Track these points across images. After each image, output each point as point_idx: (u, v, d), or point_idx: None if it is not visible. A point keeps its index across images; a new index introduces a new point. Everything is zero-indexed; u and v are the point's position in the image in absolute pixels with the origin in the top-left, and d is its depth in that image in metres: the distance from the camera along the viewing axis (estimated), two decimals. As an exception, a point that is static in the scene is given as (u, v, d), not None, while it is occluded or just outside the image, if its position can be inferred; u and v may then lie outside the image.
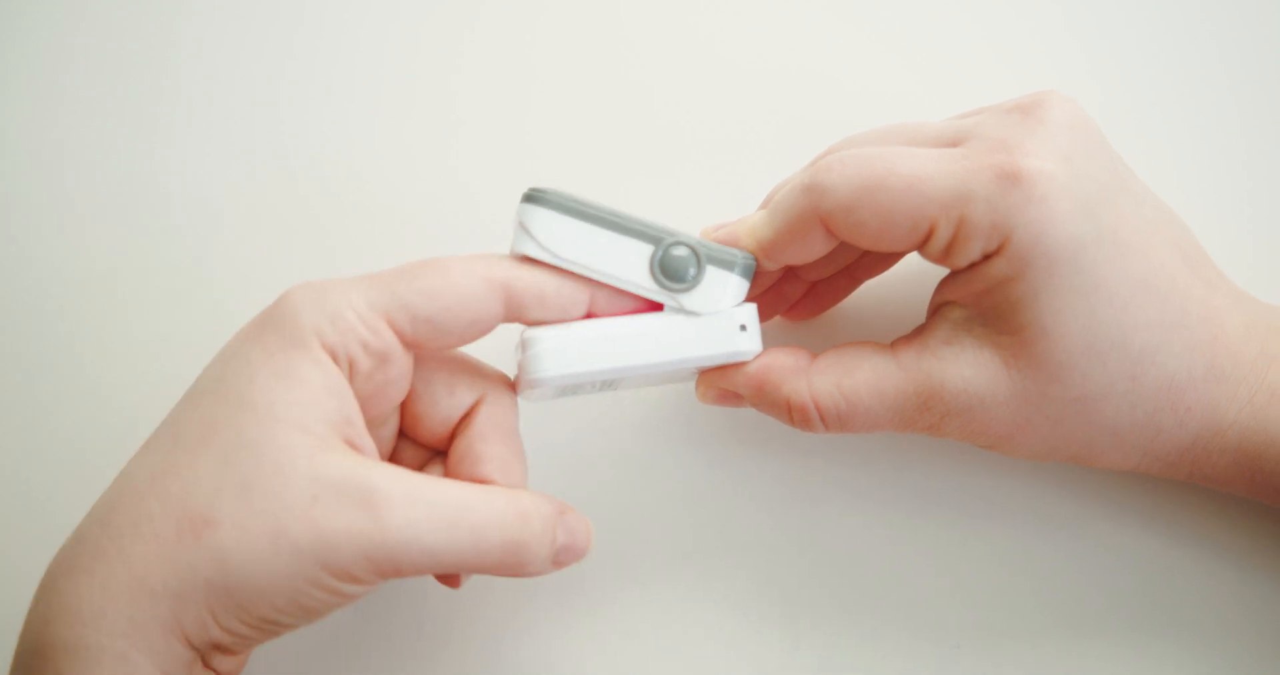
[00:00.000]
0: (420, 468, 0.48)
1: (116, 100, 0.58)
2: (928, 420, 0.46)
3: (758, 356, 0.47)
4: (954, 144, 0.46)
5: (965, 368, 0.45)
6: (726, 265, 0.46)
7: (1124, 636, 0.51)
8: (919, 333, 0.47)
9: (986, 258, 0.45)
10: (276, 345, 0.44)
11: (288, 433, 0.43)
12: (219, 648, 0.43)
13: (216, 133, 0.58)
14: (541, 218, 0.45)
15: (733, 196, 0.55)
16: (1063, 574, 0.52)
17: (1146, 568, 0.51)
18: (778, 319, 0.53)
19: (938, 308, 0.47)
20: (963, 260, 0.45)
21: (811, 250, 0.47)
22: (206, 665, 0.44)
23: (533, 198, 0.45)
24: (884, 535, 0.52)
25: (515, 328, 0.47)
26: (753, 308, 0.47)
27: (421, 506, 0.42)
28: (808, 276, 0.52)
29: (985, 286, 0.45)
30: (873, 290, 0.54)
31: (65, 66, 0.59)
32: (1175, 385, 0.45)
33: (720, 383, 0.48)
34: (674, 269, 0.46)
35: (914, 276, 0.53)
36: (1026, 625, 0.51)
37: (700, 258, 0.46)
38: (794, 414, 0.47)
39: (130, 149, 0.58)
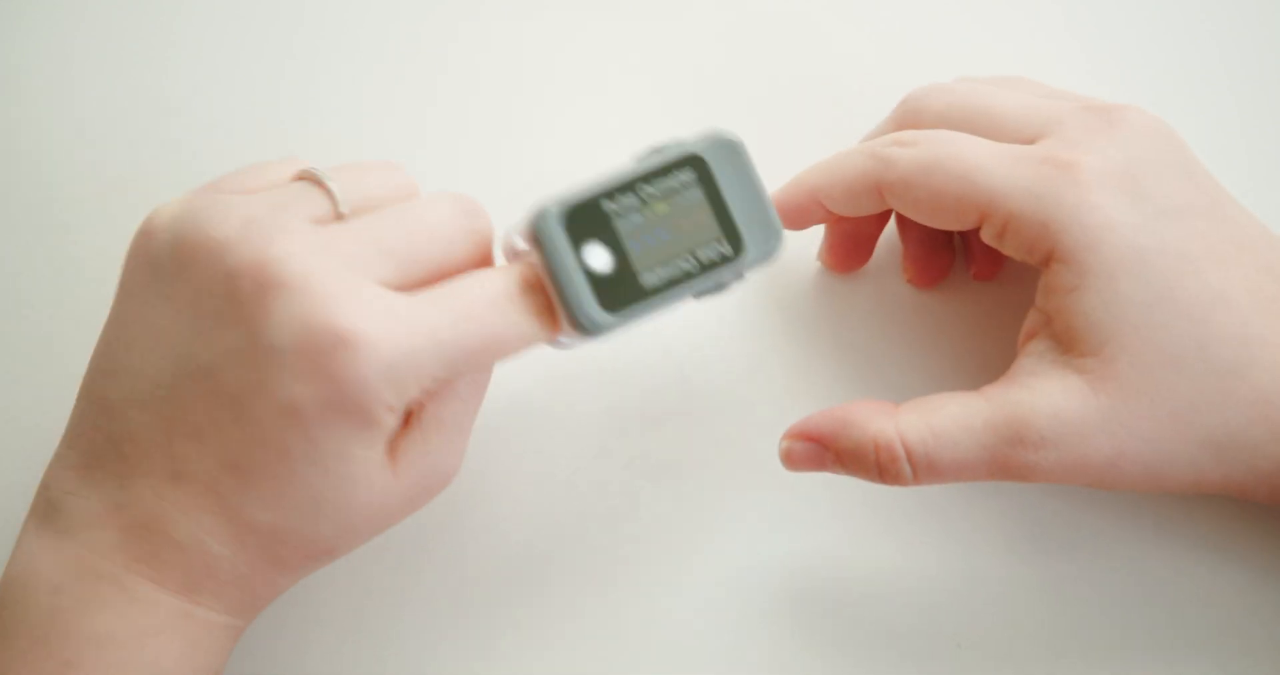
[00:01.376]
0: None
1: (125, 66, 0.58)
2: (1023, 456, 0.45)
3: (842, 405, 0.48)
4: (1031, 140, 0.47)
5: (1054, 394, 0.45)
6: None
7: (1128, 637, 0.51)
8: (1006, 374, 0.47)
9: (1049, 263, 0.46)
10: (347, 430, 0.43)
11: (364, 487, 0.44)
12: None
13: (222, 117, 0.58)
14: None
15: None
16: (1064, 572, 0.52)
17: (1152, 568, 0.51)
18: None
19: (1022, 347, 0.48)
20: (1015, 250, 0.47)
21: (858, 207, 0.50)
22: None
23: (591, 329, 0.45)
24: (884, 532, 0.52)
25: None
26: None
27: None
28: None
29: (1056, 303, 0.46)
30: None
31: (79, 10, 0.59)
32: (1264, 398, 0.45)
33: (805, 427, 0.48)
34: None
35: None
36: (1028, 624, 0.51)
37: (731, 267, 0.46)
38: (880, 454, 0.46)
39: (138, 110, 0.58)
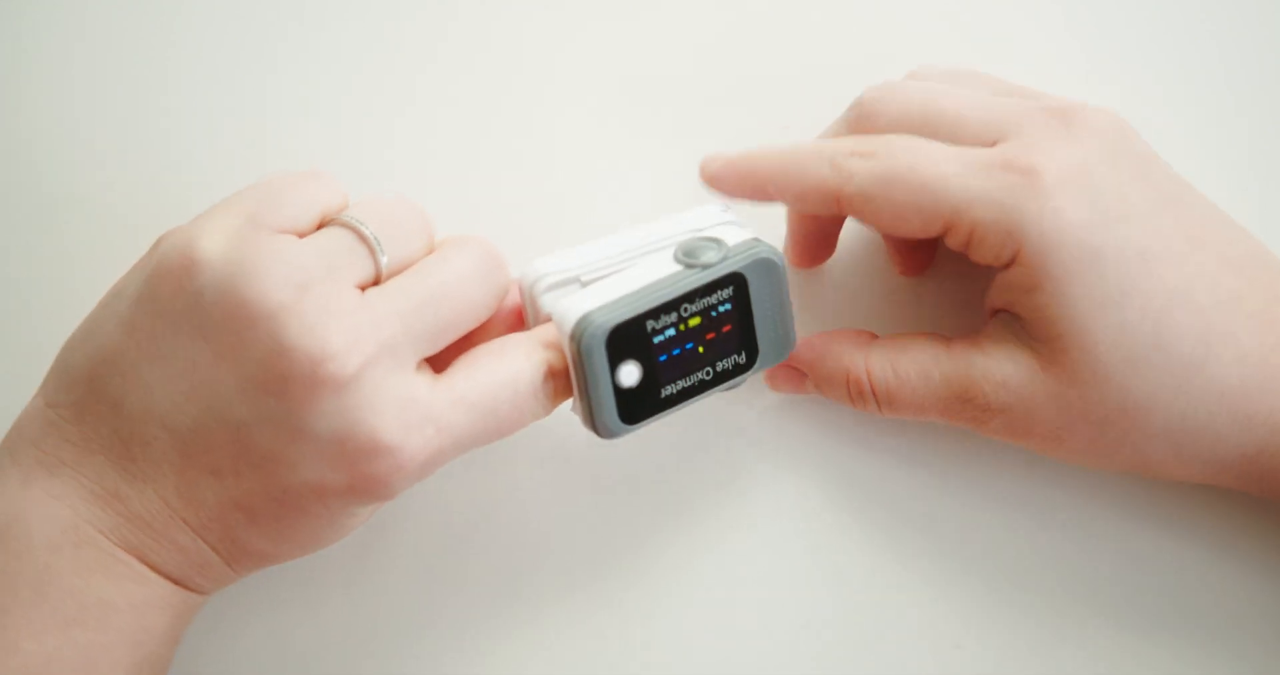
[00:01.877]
0: None
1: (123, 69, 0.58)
2: (970, 412, 0.48)
3: (823, 333, 0.51)
4: (991, 143, 0.47)
5: (1005, 364, 0.47)
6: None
7: (1128, 636, 0.51)
8: (978, 331, 0.48)
9: (1007, 266, 0.46)
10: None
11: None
12: None
13: (221, 117, 0.58)
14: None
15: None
16: (1064, 573, 0.52)
17: (1152, 567, 0.51)
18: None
19: (994, 310, 0.48)
20: (981, 258, 0.47)
21: (809, 209, 0.49)
22: None
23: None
24: (884, 533, 0.52)
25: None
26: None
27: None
28: None
29: (1012, 296, 0.46)
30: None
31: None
32: (1229, 395, 0.45)
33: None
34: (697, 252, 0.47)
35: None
36: (1027, 624, 0.51)
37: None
38: (850, 386, 0.49)
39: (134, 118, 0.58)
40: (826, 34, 0.58)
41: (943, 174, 0.46)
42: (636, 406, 0.46)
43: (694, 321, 0.46)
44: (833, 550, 0.52)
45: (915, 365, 0.48)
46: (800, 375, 0.51)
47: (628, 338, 0.45)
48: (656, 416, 0.47)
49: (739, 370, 0.47)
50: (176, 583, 0.46)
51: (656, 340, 0.46)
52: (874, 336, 0.50)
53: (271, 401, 0.43)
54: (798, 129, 0.57)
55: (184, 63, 0.58)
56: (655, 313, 0.45)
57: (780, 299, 0.47)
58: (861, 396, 0.49)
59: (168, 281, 0.44)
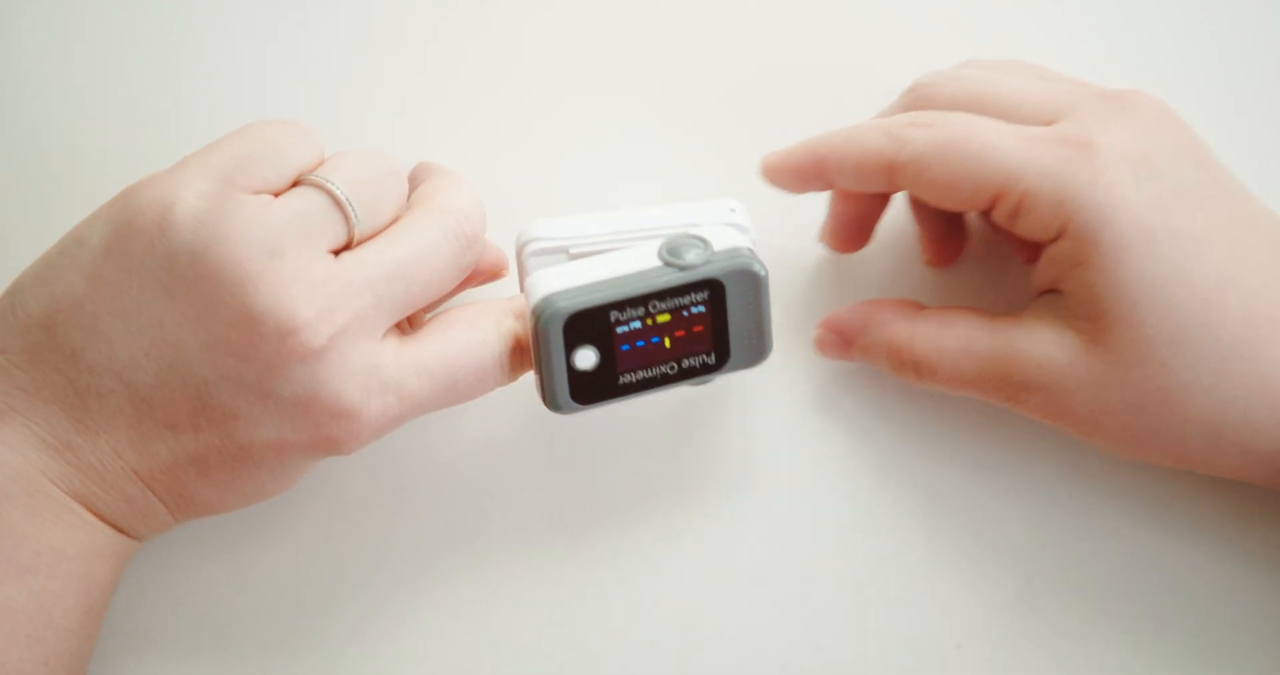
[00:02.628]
0: None
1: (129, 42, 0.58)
2: (1007, 390, 0.48)
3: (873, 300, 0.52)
4: (1048, 122, 0.48)
5: (1048, 344, 0.47)
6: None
7: (1131, 637, 0.51)
8: (1023, 310, 0.49)
9: (1055, 240, 0.46)
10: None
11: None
12: None
13: (221, 116, 0.58)
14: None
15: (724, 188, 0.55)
16: (1067, 573, 0.52)
17: (1156, 566, 0.51)
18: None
19: (1039, 291, 0.49)
20: (1027, 231, 0.47)
21: (865, 183, 0.49)
22: None
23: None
24: (885, 532, 0.52)
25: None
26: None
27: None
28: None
29: (1059, 271, 0.47)
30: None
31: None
32: (1270, 383, 0.45)
33: (836, 322, 0.52)
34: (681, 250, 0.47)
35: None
36: (1028, 625, 0.51)
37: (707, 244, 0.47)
38: (892, 355, 0.50)
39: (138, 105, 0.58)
40: (827, 34, 0.58)
41: (999, 142, 0.47)
42: (591, 389, 0.46)
43: (663, 318, 0.46)
44: (831, 550, 0.52)
45: (957, 339, 0.49)
46: (847, 343, 0.52)
47: (588, 324, 0.45)
48: (612, 401, 0.47)
49: (707, 370, 0.47)
50: (119, 530, 0.47)
51: (620, 330, 0.46)
52: (921, 306, 0.51)
53: (237, 364, 0.44)
54: (797, 129, 0.56)
55: (184, 63, 0.59)
56: (621, 305, 0.45)
57: (758, 308, 0.47)
58: (902, 366, 0.50)
59: (140, 238, 0.44)
